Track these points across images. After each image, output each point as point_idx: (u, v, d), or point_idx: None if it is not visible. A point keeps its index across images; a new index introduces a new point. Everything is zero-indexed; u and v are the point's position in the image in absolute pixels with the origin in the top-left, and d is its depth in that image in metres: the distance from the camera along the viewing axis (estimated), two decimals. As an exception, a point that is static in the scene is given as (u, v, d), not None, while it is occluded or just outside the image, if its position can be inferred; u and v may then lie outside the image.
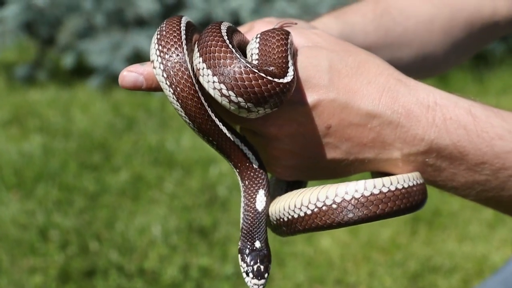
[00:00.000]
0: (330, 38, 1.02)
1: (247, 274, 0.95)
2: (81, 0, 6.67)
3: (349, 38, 1.25)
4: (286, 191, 1.01)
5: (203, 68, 0.89)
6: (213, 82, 0.88)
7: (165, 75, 0.93)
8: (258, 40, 0.97)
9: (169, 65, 0.92)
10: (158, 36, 0.95)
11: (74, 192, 4.29)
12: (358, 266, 3.54)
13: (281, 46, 0.94)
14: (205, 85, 0.90)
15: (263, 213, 0.97)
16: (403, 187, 0.93)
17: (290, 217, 0.95)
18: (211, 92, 0.89)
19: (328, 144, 0.97)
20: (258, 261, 0.96)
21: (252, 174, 0.98)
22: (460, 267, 3.55)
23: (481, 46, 1.58)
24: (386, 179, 0.93)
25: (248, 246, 0.96)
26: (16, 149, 5.01)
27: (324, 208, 0.92)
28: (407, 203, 0.93)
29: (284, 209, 0.96)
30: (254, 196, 0.98)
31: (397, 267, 3.54)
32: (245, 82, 0.87)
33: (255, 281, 0.95)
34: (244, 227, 0.97)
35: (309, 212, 0.93)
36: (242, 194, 0.99)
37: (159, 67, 0.93)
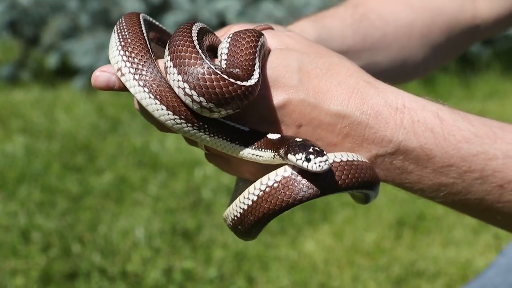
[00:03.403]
0: (302, 41, 1.03)
1: (308, 160, 0.89)
2: (66, 0, 6.63)
3: (327, 42, 1.26)
4: None
5: (170, 66, 0.92)
6: (178, 80, 0.91)
7: (143, 86, 0.94)
8: (229, 40, 0.99)
9: (145, 77, 0.94)
10: (122, 43, 0.97)
11: (57, 193, 4.25)
12: (342, 270, 3.53)
13: (250, 48, 0.96)
14: (171, 83, 0.93)
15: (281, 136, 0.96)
16: (341, 160, 0.95)
17: (241, 211, 0.97)
18: (176, 90, 0.92)
19: None
20: (310, 144, 0.92)
21: (250, 135, 0.97)
22: (444, 272, 3.55)
23: (461, 50, 1.59)
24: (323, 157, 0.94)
25: (291, 144, 0.93)
26: (-1, 149, 4.97)
27: (267, 189, 0.94)
28: (349, 175, 0.94)
29: (236, 205, 0.99)
30: (263, 138, 0.96)
31: (381, 271, 3.53)
32: (207, 82, 0.90)
33: (319, 158, 0.90)
34: (274, 142, 0.95)
35: (255, 198, 0.95)
36: (254, 147, 0.97)
37: (135, 81, 0.95)
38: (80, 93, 6.41)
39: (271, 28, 1.11)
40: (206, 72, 0.90)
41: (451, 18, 1.44)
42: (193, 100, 0.91)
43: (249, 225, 0.98)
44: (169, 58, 0.93)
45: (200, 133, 0.96)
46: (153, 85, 0.93)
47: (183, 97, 0.91)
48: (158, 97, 0.93)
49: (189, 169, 4.64)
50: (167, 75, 0.93)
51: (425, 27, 1.41)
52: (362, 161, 0.97)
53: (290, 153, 0.91)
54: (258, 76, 0.93)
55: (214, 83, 0.89)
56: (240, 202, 0.98)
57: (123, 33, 0.98)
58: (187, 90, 0.91)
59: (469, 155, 0.99)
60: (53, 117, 5.79)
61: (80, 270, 3.39)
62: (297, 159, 0.90)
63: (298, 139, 0.93)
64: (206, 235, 3.80)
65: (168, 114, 0.94)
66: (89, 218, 3.95)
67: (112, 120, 5.71)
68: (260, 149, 0.97)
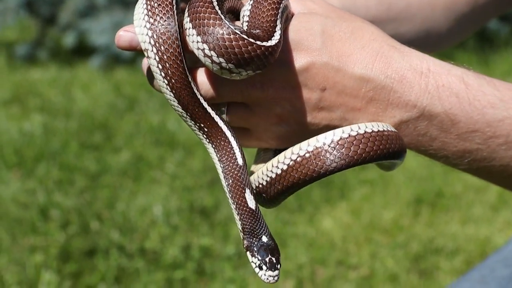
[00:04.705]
0: (326, 5, 1.02)
1: (260, 268, 0.96)
2: (83, -21, 6.63)
3: (351, 12, 1.24)
4: None
5: (189, 28, 0.92)
6: (197, 42, 0.91)
7: (165, 78, 0.93)
8: (251, 2, 0.98)
9: (169, 71, 0.93)
10: (152, 20, 0.94)
11: (75, 171, 4.27)
12: (360, 248, 3.53)
13: (271, 10, 0.95)
14: (190, 45, 0.93)
15: (258, 210, 0.98)
16: (372, 131, 0.95)
17: (268, 179, 0.98)
18: (196, 52, 0.92)
19: (323, 109, 0.98)
20: (269, 254, 0.97)
21: (236, 172, 0.99)
22: (462, 249, 3.54)
23: (485, 21, 1.57)
24: (354, 126, 0.96)
25: (255, 242, 0.97)
26: (17, 128, 5.00)
27: (298, 159, 0.95)
28: (380, 146, 0.94)
29: (262, 173, 0.99)
30: (242, 195, 0.98)
31: (399, 248, 3.52)
32: (226, 42, 0.89)
33: (270, 272, 0.96)
34: (245, 227, 0.98)
35: (285, 167, 0.96)
36: (228, 193, 1.00)
37: (158, 69, 0.93)
38: (97, 72, 6.42)
39: None
40: (225, 33, 0.89)
41: None
42: (212, 61, 0.90)
43: (276, 193, 0.98)
44: (188, 19, 0.92)
45: (199, 133, 0.98)
46: (173, 81, 0.93)
47: (202, 59, 0.91)
48: (174, 91, 0.93)
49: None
50: (187, 36, 0.93)
51: None
52: (392, 130, 0.96)
53: (249, 251, 0.97)
54: (279, 37, 0.92)
55: (234, 43, 0.89)
56: (267, 170, 0.97)
57: (152, 3, 0.95)
58: (207, 51, 0.90)
59: (494, 120, 0.98)
60: (70, 96, 5.81)
61: (98, 247, 3.41)
62: (251, 261, 0.97)
63: (264, 239, 0.97)
64: (223, 212, 3.81)
65: (178, 107, 0.95)
66: (107, 196, 3.97)
67: (129, 99, 5.72)
68: (234, 198, 0.99)
